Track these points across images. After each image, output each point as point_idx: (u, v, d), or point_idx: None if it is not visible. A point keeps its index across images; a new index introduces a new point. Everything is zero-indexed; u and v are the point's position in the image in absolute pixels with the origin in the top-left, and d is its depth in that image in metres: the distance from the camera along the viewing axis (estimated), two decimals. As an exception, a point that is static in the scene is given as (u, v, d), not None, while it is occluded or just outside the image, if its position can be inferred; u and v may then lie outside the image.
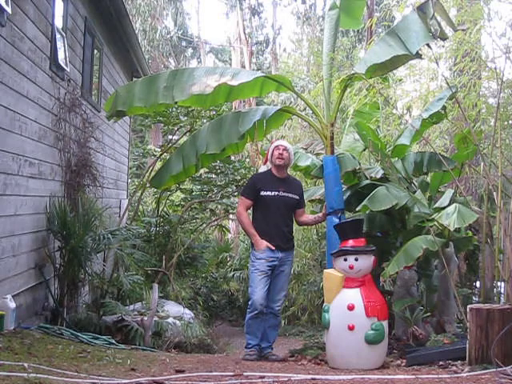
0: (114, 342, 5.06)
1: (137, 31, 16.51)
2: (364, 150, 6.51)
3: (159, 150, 10.69)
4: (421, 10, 4.95)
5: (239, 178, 9.81)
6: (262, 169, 5.51)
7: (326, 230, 5.48)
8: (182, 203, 10.62)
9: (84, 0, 7.09)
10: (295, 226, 5.48)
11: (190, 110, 8.73)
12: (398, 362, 4.55)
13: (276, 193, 5.15)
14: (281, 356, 5.25)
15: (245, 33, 21.48)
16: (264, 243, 5.06)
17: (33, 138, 5.21)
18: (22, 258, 5.00)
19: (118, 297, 6.90)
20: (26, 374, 2.86)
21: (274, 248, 5.07)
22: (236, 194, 9.95)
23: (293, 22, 44.48)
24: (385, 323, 4.32)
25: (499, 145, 4.94)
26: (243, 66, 19.96)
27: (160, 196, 9.72)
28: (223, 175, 9.91)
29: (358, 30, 19.04)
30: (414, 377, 3.56)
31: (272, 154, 5.25)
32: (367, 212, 5.54)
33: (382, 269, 5.22)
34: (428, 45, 5.01)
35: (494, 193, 5.03)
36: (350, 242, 4.45)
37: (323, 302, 4.61)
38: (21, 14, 4.85)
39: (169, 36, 24.31)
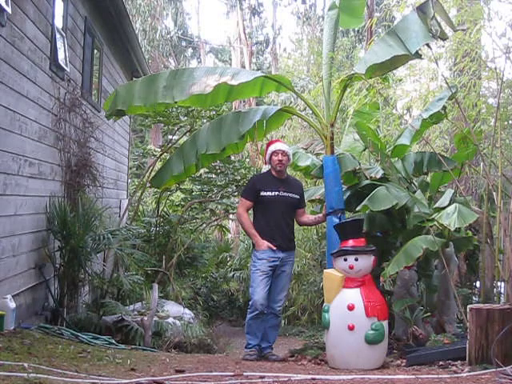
0: (114, 341, 5.06)
1: (137, 31, 16.52)
2: (364, 150, 6.51)
3: (159, 149, 10.68)
4: (421, 10, 4.95)
5: (239, 178, 9.81)
6: (266, 168, 5.55)
7: (326, 229, 5.48)
8: (182, 203, 10.61)
9: (84, 0, 7.09)
10: (295, 226, 5.48)
11: (189, 110, 8.72)
12: (398, 361, 4.55)
13: (276, 193, 5.15)
14: (281, 356, 5.25)
15: (245, 33, 21.49)
16: (265, 243, 5.06)
17: (33, 138, 5.21)
18: (22, 258, 5.00)
19: (118, 297, 6.90)
20: (26, 374, 2.86)
21: (275, 248, 5.07)
22: (236, 194, 9.95)
23: (293, 22, 44.51)
24: (385, 323, 4.32)
25: (499, 145, 4.95)
26: (243, 66, 19.96)
27: (160, 196, 9.71)
28: (223, 175, 9.91)
29: (358, 30, 19.07)
30: (414, 377, 3.56)
31: (271, 159, 5.26)
32: (367, 212, 5.54)
33: (381, 269, 5.23)
34: (428, 45, 5.00)
35: (494, 193, 5.04)
36: (350, 242, 4.45)
37: (323, 301, 4.61)
38: (21, 14, 4.85)
39: (169, 36, 24.29)
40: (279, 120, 6.34)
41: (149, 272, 8.10)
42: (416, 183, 6.19)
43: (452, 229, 4.70)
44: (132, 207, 9.75)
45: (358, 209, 5.33)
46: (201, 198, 10.19)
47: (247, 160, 13.30)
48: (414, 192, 5.66)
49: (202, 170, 9.21)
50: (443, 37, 5.00)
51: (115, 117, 5.97)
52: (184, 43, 27.42)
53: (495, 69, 5.08)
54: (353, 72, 5.37)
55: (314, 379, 3.49)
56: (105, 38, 8.31)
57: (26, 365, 3.12)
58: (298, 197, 5.31)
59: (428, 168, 5.99)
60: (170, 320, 6.48)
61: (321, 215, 5.49)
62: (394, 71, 7.22)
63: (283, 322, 9.62)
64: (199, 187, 10.42)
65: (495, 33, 5.30)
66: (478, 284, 7.27)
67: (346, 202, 5.64)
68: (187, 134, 9.19)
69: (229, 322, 11.48)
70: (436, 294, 5.70)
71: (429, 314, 5.58)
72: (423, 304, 5.83)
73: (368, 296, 4.30)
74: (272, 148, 5.28)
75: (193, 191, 10.57)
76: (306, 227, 9.32)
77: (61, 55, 5.99)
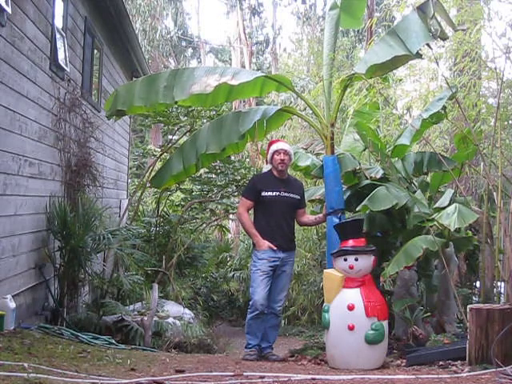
0: (113, 342, 5.06)
1: (137, 31, 16.51)
2: (364, 149, 6.51)
3: (159, 150, 10.69)
4: (421, 9, 4.95)
5: (239, 178, 9.81)
6: (266, 168, 5.55)
7: (326, 229, 5.47)
8: (182, 203, 10.62)
9: (84, 0, 7.09)
10: (295, 226, 5.48)
11: (189, 109, 8.73)
12: (398, 361, 4.55)
13: (277, 193, 5.15)
14: (281, 356, 5.25)
15: (245, 33, 21.49)
16: (266, 243, 5.06)
17: (33, 138, 5.21)
18: (22, 258, 5.00)
19: (118, 297, 6.90)
20: (26, 374, 2.86)
21: (275, 248, 5.06)
22: (236, 194, 9.95)
23: (293, 22, 44.49)
24: (385, 323, 4.32)
25: (499, 145, 4.95)
26: (243, 66, 19.96)
27: (160, 196, 9.71)
28: (223, 175, 9.91)
29: (358, 30, 19.06)
30: (414, 377, 3.56)
31: (272, 158, 5.25)
32: (367, 212, 5.54)
33: (382, 269, 5.22)
34: (428, 45, 5.00)
35: (494, 193, 5.04)
36: (350, 242, 4.45)
37: (323, 301, 4.61)
38: (21, 14, 4.85)
39: (169, 36, 24.29)
40: (279, 120, 6.34)
41: (149, 272, 8.10)
42: (416, 183, 6.19)
43: (452, 229, 4.70)
44: (132, 207, 9.75)
45: (358, 209, 5.33)
46: (201, 197, 10.19)
47: (247, 160, 13.32)
48: (414, 192, 5.66)
49: (202, 170, 9.21)
50: (443, 37, 5.00)
51: (116, 117, 5.98)
52: (184, 43, 27.42)
53: (495, 69, 5.08)
54: (353, 72, 5.37)
55: (313, 379, 3.49)
56: (105, 38, 8.31)
57: (26, 365, 3.12)
58: (299, 197, 5.31)
59: (428, 168, 5.98)
60: (170, 320, 6.48)
61: (321, 215, 5.49)
62: (394, 71, 7.21)
63: (283, 321, 9.62)
64: (199, 187, 10.42)
65: (495, 33, 5.32)
66: (478, 284, 7.27)
67: (346, 201, 5.64)
68: (187, 133, 9.20)
69: (229, 322, 11.48)
70: (436, 293, 5.70)
71: (429, 314, 5.58)
72: (423, 304, 5.83)
73: (368, 296, 4.30)
74: (274, 147, 5.27)
75: (193, 191, 10.57)
76: (306, 227, 9.33)
77: (61, 55, 5.99)
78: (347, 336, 4.24)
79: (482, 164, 5.84)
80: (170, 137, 10.64)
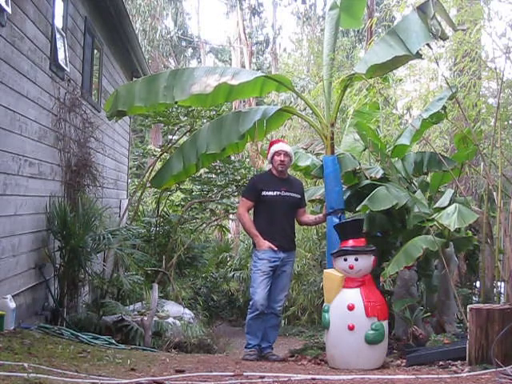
0: (113, 342, 5.06)
1: (137, 31, 16.51)
2: (364, 149, 6.51)
3: (159, 150, 10.69)
4: (421, 9, 4.95)
5: (239, 178, 9.81)
6: (269, 167, 5.58)
7: (326, 229, 5.47)
8: (182, 203, 10.62)
9: (84, 0, 7.09)
10: (296, 226, 5.48)
11: (190, 110, 8.73)
12: (398, 361, 4.55)
13: (278, 192, 5.15)
14: (281, 356, 5.25)
15: (245, 33, 21.49)
16: (266, 244, 5.05)
17: (33, 138, 5.21)
18: (22, 258, 5.00)
19: (118, 297, 6.90)
20: (26, 374, 2.86)
21: (276, 249, 5.06)
22: (236, 194, 9.95)
23: (293, 22, 44.50)
24: (385, 323, 4.32)
25: (499, 145, 4.95)
26: (243, 66, 19.95)
27: (160, 196, 9.72)
28: (223, 175, 9.91)
29: (358, 30, 19.07)
30: (414, 377, 3.56)
31: (273, 159, 5.25)
32: (367, 212, 5.54)
33: (382, 269, 5.22)
34: (428, 45, 5.00)
35: (494, 193, 5.04)
36: (350, 242, 4.45)
37: (323, 301, 4.61)
38: (21, 14, 4.85)
39: (169, 36, 24.29)
40: (279, 120, 6.34)
41: (149, 272, 8.10)
42: (416, 183, 6.19)
43: (452, 229, 4.70)
44: (132, 207, 9.75)
45: (358, 209, 5.32)
46: (201, 197, 10.19)
47: (247, 160, 13.32)
48: (414, 192, 5.66)
49: (202, 170, 9.21)
50: (443, 37, 5.00)
51: (116, 117, 5.98)
52: (184, 43, 27.42)
53: (495, 69, 5.08)
54: (353, 72, 5.38)
55: (313, 379, 3.49)
56: (105, 38, 8.31)
57: (26, 365, 3.12)
58: (299, 196, 5.31)
59: (428, 168, 5.98)
60: (170, 320, 6.48)
61: (321, 215, 5.49)
62: (394, 71, 7.20)
63: (283, 321, 9.62)
64: (199, 187, 10.42)
65: (495, 33, 5.31)
66: (478, 284, 7.28)
67: (346, 201, 5.64)
68: (187, 133, 9.20)
69: (229, 322, 11.48)
70: (436, 294, 5.70)
71: (429, 314, 5.58)
72: (423, 304, 5.83)
73: (368, 296, 4.30)
74: (275, 148, 5.26)
75: (193, 191, 10.57)
76: (305, 227, 9.34)
77: (61, 55, 5.99)
78: (347, 336, 4.24)
79: (482, 164, 5.84)
80: (170, 137, 10.65)
